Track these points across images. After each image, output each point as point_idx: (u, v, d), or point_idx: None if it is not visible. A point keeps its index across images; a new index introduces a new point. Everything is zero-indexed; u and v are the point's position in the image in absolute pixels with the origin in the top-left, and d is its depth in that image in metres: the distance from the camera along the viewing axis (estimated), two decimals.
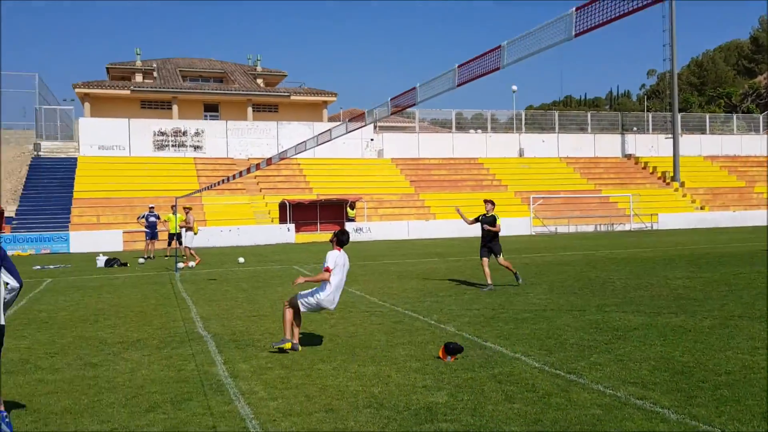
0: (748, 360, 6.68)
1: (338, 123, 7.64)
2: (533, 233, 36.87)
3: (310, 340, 8.30)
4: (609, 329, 8.46)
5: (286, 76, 54.48)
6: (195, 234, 20.88)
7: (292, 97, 48.62)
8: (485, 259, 13.05)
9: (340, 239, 8.03)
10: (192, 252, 20.54)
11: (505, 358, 7.09)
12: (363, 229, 34.61)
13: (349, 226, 34.28)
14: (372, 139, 44.58)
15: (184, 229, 20.95)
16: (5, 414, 5.03)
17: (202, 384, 6.33)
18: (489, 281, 12.79)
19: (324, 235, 35.24)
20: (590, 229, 38.49)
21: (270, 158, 10.35)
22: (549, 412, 5.21)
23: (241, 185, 38.10)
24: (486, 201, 13.31)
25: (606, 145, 49.13)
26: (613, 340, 7.78)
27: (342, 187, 38.71)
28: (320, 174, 40.61)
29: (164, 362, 7.30)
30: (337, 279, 7.84)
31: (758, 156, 51.06)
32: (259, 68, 53.75)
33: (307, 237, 34.46)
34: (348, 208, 35.34)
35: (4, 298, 5.04)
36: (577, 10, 3.26)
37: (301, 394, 5.92)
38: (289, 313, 7.75)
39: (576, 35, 3.29)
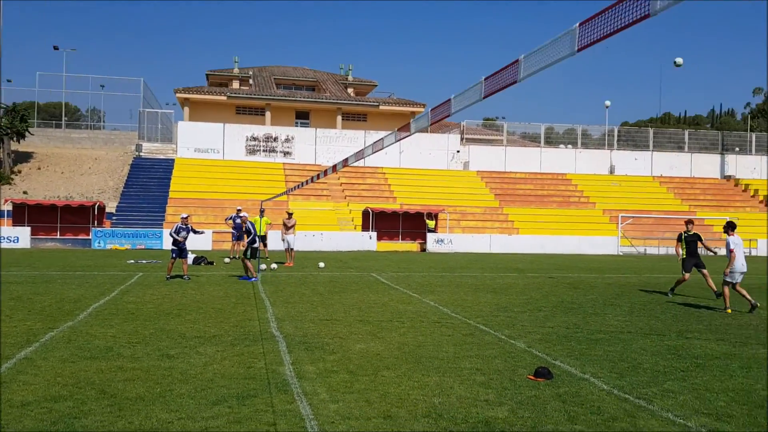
0: None
1: (394, 133, 7.71)
2: (620, 253, 35.64)
3: (377, 347, 8.37)
4: (688, 356, 8.09)
5: (376, 86, 55.27)
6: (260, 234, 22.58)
7: (381, 107, 49.23)
8: (687, 274, 14.43)
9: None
10: (292, 254, 22.66)
11: (573, 378, 6.91)
12: (444, 240, 34.52)
13: (430, 237, 34.27)
14: (458, 151, 44.46)
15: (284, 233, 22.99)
16: None
17: (268, 382, 6.51)
18: (715, 288, 13.98)
19: (405, 245, 35.38)
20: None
21: (346, 159, 10.51)
22: None
23: (326, 192, 38.86)
24: (687, 221, 14.87)
25: (704, 165, 46.96)
26: (690, 368, 7.43)
27: (426, 197, 38.77)
28: (405, 184, 40.84)
29: (236, 359, 7.55)
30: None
31: None
32: (350, 78, 54.78)
33: (388, 246, 34.70)
34: (426, 219, 35.22)
35: None
36: (580, 25, 3.20)
37: (363, 399, 5.99)
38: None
39: (578, 50, 3.24)
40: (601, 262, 27.60)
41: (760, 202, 43.75)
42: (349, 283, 16.58)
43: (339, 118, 48.60)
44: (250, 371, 6.97)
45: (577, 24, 3.28)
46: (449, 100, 5.36)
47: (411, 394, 6.16)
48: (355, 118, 50.02)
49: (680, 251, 14.63)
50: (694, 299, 14.22)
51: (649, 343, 8.98)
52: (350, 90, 53.32)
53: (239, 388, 6.26)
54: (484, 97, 4.46)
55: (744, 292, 12.35)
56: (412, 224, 36.06)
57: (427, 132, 43.10)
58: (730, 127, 76.92)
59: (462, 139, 46.18)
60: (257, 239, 17.22)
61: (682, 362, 7.75)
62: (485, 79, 4.50)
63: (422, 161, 43.19)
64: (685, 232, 14.56)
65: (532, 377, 6.81)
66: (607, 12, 3.02)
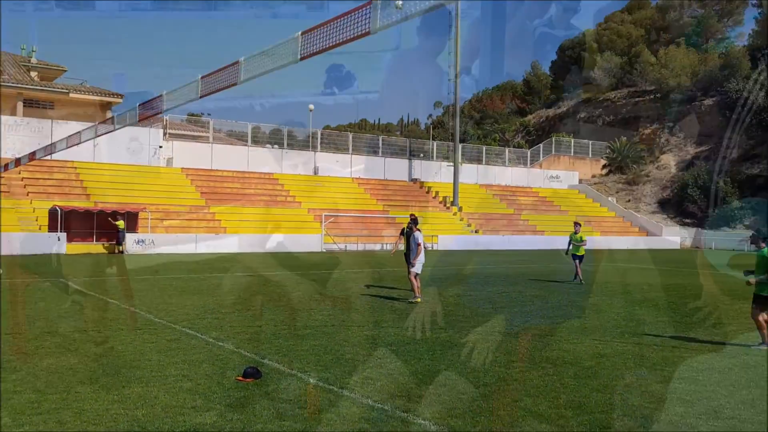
0: (503, 373, 7.30)
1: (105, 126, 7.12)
2: (323, 250, 37.48)
3: (70, 360, 7.57)
4: (384, 344, 8.79)
5: (65, 71, 50.16)
6: None
7: (72, 95, 44.70)
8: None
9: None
10: None
11: (282, 374, 7.03)
12: (145, 241, 32.67)
13: (129, 238, 32.14)
14: (161, 146, 42.42)
15: None
16: None
17: None
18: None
19: (101, 247, 32.71)
20: (377, 247, 40.05)
21: (33, 152, 9.35)
22: (318, 428, 5.24)
23: (3, 188, 34.05)
24: (411, 215, 14.81)
25: (395, 168, 51.67)
26: (386, 355, 8.09)
27: (125, 195, 36.26)
28: (100, 180, 37.65)
29: None
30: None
31: (524, 187, 56.99)
32: (33, 60, 48.82)
33: (81, 248, 31.71)
34: (112, 221, 32.30)
35: None
36: (302, 34, 3.36)
37: (53, 419, 5.36)
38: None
39: (301, 58, 3.40)
40: (306, 259, 28.69)
41: (440, 202, 49.67)
42: (34, 291, 14.76)
43: (20, 104, 42.97)
44: None
45: (299, 33, 3.32)
46: (161, 95, 5.04)
47: (110, 409, 5.68)
48: (39, 106, 44.65)
49: (400, 243, 14.99)
50: (388, 291, 15.54)
51: (350, 334, 9.57)
52: (34, 74, 47.51)
53: None
54: (201, 96, 4.28)
55: (417, 284, 13.71)
56: (110, 224, 33.43)
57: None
58: (415, 135, 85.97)
59: (165, 134, 44.17)
60: None
61: (378, 350, 8.39)
62: (202, 78, 4.33)
63: (120, 156, 40.25)
64: (408, 227, 14.64)
65: (240, 378, 6.77)
66: (330, 24, 3.10)
